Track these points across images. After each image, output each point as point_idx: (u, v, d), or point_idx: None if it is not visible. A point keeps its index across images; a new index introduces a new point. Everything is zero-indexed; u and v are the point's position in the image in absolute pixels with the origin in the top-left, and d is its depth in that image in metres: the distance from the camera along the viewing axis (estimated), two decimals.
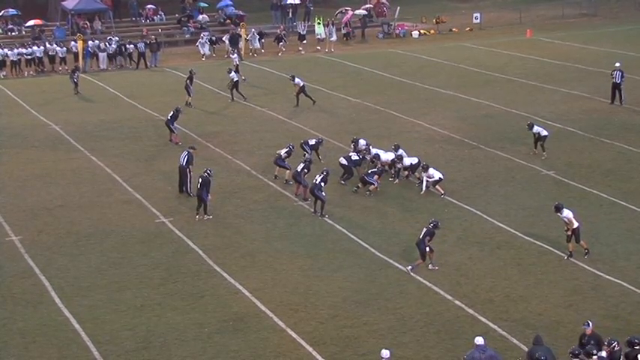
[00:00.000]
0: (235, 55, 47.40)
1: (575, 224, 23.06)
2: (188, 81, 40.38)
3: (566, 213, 23.16)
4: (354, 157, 29.71)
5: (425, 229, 22.83)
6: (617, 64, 38.65)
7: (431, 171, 28.18)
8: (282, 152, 29.71)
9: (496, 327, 19.77)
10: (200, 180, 26.59)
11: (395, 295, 21.48)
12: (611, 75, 38.36)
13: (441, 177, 28.21)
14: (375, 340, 19.35)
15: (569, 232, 23.12)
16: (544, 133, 31.48)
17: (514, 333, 19.46)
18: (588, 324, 17.53)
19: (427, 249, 22.60)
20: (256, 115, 38.81)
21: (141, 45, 50.37)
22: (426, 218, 26.20)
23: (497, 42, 55.17)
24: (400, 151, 29.82)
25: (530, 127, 31.64)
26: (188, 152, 28.94)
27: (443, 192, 28.03)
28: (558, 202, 23.73)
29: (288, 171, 29.39)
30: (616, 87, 38.16)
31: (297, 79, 39.54)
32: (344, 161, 29.36)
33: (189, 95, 40.09)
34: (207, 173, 26.78)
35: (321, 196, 26.49)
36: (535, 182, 29.27)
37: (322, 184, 26.57)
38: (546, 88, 42.30)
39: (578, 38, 55.30)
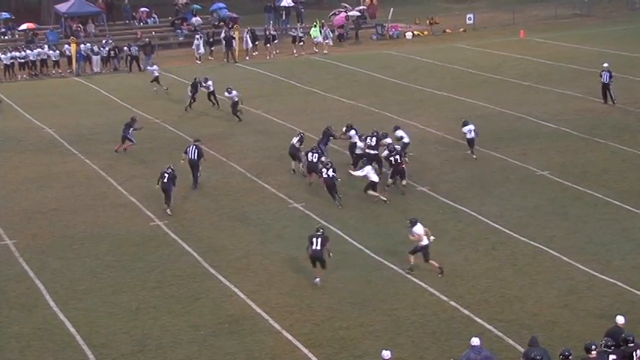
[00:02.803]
0: (155, 66, 45.51)
1: (425, 242, 22.45)
2: (192, 88, 39.63)
3: (417, 228, 22.57)
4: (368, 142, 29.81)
5: None
6: (605, 65, 38.80)
7: (366, 169, 27.69)
8: (295, 141, 30.21)
9: (491, 327, 19.77)
10: (167, 175, 27.15)
11: (390, 296, 21.49)
12: (600, 76, 38.46)
13: (369, 178, 27.41)
14: (370, 341, 19.36)
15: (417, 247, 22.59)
16: (471, 135, 31.13)
17: (509, 333, 19.47)
18: (593, 345, 16.46)
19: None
20: (251, 117, 38.78)
21: (134, 48, 50.30)
22: (420, 219, 26.21)
23: (490, 43, 55.24)
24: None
25: (464, 124, 31.39)
26: (196, 146, 29.38)
27: (385, 199, 27.53)
28: (413, 217, 23.13)
29: (295, 162, 30.08)
30: (605, 87, 38.24)
31: (233, 92, 37.61)
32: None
33: (193, 101, 39.56)
34: (172, 169, 27.47)
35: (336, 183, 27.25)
36: (529, 182, 29.30)
37: (334, 174, 27.18)
38: (540, 88, 42.36)
39: (572, 38, 55.40)
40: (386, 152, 28.72)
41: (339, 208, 27.11)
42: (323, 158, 29.04)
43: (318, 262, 22.05)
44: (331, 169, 27.45)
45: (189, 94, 39.62)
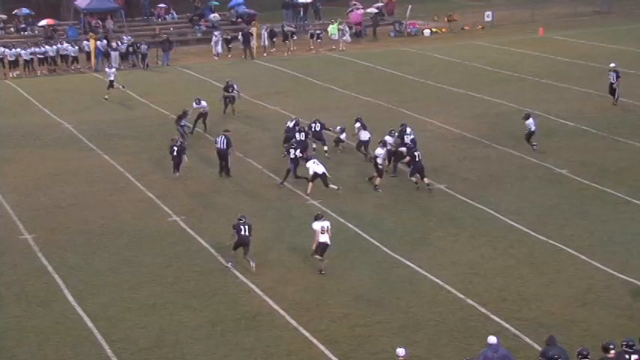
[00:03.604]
0: (113, 69, 43.35)
1: (322, 239, 22.41)
2: (225, 92, 38.06)
3: (315, 224, 22.61)
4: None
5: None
6: (612, 65, 38.56)
7: (308, 163, 28.15)
8: (290, 124, 31.81)
9: (509, 326, 19.72)
10: (175, 148, 29.72)
11: (407, 293, 21.46)
12: (608, 76, 38.19)
13: (316, 171, 27.84)
14: (387, 338, 19.34)
15: (314, 245, 22.60)
16: (533, 128, 31.66)
17: (527, 332, 19.41)
18: (612, 345, 16.42)
19: None
20: (268, 114, 38.82)
21: (144, 46, 49.99)
22: (438, 216, 26.26)
23: (509, 40, 55.03)
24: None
25: (527, 117, 31.87)
26: (225, 136, 30.05)
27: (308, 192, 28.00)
28: (318, 213, 23.37)
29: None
30: (612, 87, 37.97)
31: (202, 102, 35.60)
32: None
33: (228, 102, 38.05)
34: (181, 141, 30.33)
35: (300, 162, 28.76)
36: (548, 181, 29.18)
37: (300, 155, 28.83)
38: (559, 86, 42.17)
39: (592, 36, 55.10)
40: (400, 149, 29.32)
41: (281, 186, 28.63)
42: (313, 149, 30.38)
43: (245, 247, 22.86)
44: (299, 150, 28.85)
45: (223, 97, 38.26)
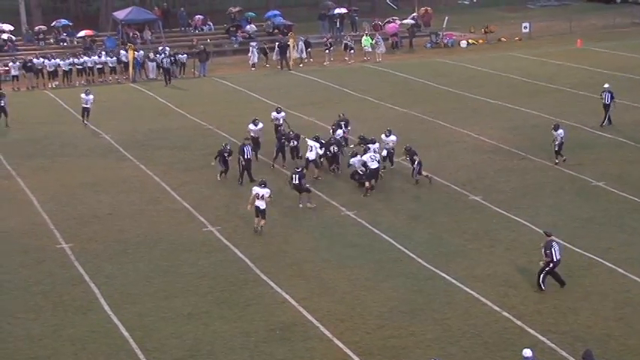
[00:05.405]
0: (90, 96, 39.48)
1: (256, 203, 25.54)
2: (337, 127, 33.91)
3: (254, 189, 25.77)
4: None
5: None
6: (606, 85, 37.93)
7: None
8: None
9: (545, 339, 19.56)
10: (225, 155, 30.88)
11: (442, 305, 21.38)
12: (601, 96, 37.45)
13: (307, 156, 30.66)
14: (421, 350, 19.27)
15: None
16: (560, 140, 31.48)
17: (563, 346, 19.25)
18: None
19: None
20: (303, 124, 38.82)
21: (166, 60, 49.57)
22: (473, 228, 26.13)
23: (546, 52, 54.71)
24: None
25: (556, 127, 31.66)
26: (251, 145, 31.35)
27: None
28: (262, 180, 26.24)
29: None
30: (606, 108, 37.18)
31: (259, 125, 33.59)
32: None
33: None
34: (229, 148, 31.17)
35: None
36: (585, 193, 28.94)
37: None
38: (596, 98, 41.71)
39: (630, 48, 54.57)
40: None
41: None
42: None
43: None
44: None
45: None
